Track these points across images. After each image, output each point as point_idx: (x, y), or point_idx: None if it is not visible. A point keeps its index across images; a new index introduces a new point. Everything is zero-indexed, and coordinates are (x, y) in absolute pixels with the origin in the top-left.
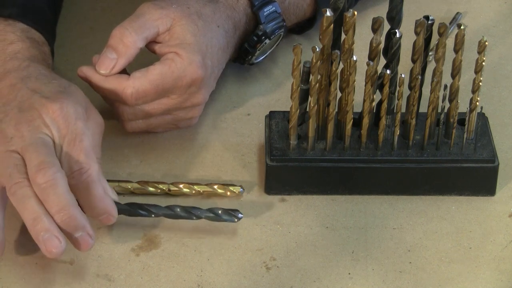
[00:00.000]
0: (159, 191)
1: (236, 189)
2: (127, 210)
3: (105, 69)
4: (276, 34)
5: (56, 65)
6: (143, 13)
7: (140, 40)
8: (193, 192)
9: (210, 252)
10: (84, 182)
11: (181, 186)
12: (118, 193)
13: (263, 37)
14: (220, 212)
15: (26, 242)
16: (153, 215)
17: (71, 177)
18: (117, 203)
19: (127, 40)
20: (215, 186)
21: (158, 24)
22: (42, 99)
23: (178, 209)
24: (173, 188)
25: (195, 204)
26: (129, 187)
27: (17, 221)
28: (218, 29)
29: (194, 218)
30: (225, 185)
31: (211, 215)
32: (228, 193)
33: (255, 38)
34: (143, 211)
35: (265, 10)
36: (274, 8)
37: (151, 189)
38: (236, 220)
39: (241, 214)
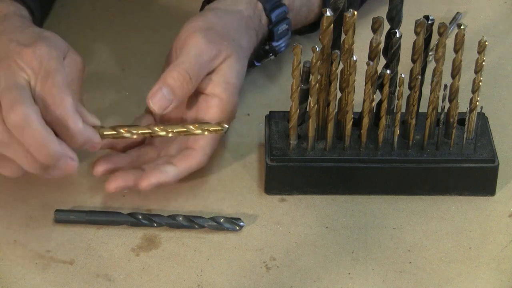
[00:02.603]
0: (135, 136)
1: (213, 127)
2: (130, 220)
3: (159, 108)
4: (282, 51)
5: None
6: (200, 53)
7: (196, 85)
8: (170, 134)
9: (210, 252)
10: (59, 116)
11: (156, 128)
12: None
13: (271, 54)
14: (222, 220)
15: (26, 242)
16: (155, 225)
17: (47, 113)
18: (119, 213)
19: (187, 87)
20: (191, 126)
21: (213, 65)
22: (17, 47)
23: (181, 218)
24: (146, 130)
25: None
26: (102, 131)
27: (17, 221)
28: (246, 60)
29: (197, 227)
30: (203, 123)
31: (214, 224)
32: (206, 132)
33: (263, 53)
34: (145, 220)
35: (279, 27)
36: (287, 26)
37: (126, 134)
38: (238, 228)
39: (243, 222)
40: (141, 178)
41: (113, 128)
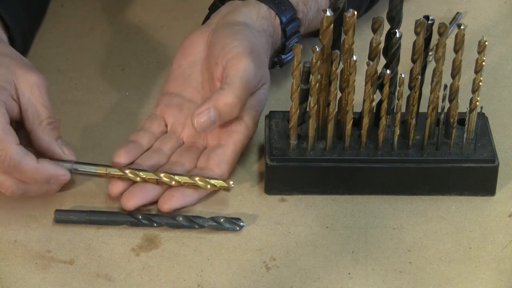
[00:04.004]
0: (138, 178)
1: (218, 183)
2: (130, 220)
3: (201, 129)
4: (287, 63)
5: (56, 65)
6: (250, 79)
7: (241, 111)
8: (173, 182)
9: (210, 252)
10: (8, 165)
11: (162, 175)
12: (96, 175)
13: (277, 65)
14: (222, 220)
15: (26, 242)
16: (155, 225)
17: None
18: (119, 213)
19: (234, 113)
20: (196, 178)
21: (253, 90)
22: None
23: (181, 218)
24: (152, 176)
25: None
26: (107, 171)
27: (17, 221)
28: None
29: (197, 227)
30: (206, 177)
31: (214, 223)
32: (209, 186)
33: (270, 65)
34: (145, 220)
35: (291, 41)
36: (297, 40)
37: (130, 175)
38: (238, 228)
39: (243, 222)
40: (163, 199)
41: (121, 169)
